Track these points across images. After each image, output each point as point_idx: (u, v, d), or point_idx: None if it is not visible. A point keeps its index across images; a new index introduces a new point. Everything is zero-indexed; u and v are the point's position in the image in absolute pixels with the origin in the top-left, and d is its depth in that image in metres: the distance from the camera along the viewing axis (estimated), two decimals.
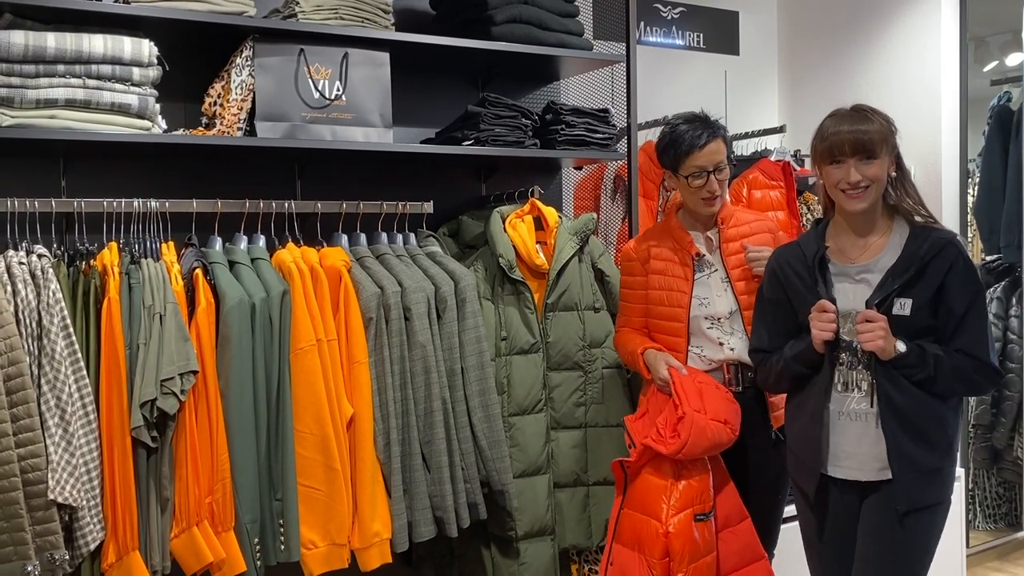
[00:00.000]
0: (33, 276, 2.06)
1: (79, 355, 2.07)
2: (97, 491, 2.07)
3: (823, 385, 2.10)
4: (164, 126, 2.33)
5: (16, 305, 2.02)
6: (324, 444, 2.27)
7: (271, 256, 2.40)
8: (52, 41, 2.14)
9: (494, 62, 2.90)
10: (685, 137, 2.37)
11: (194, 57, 2.49)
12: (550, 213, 2.80)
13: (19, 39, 2.11)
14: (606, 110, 2.96)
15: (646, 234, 2.61)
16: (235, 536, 2.18)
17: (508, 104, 2.76)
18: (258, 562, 2.21)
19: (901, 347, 2.00)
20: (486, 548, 2.67)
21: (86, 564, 2.08)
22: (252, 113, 2.42)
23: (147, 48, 2.25)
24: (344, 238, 2.55)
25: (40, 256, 2.09)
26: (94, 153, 2.42)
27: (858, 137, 2.03)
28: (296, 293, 2.30)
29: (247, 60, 2.41)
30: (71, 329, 2.07)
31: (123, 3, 2.25)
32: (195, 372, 2.10)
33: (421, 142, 2.84)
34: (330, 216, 2.57)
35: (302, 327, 2.28)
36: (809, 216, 3.45)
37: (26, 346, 2.01)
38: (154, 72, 2.28)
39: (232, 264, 2.32)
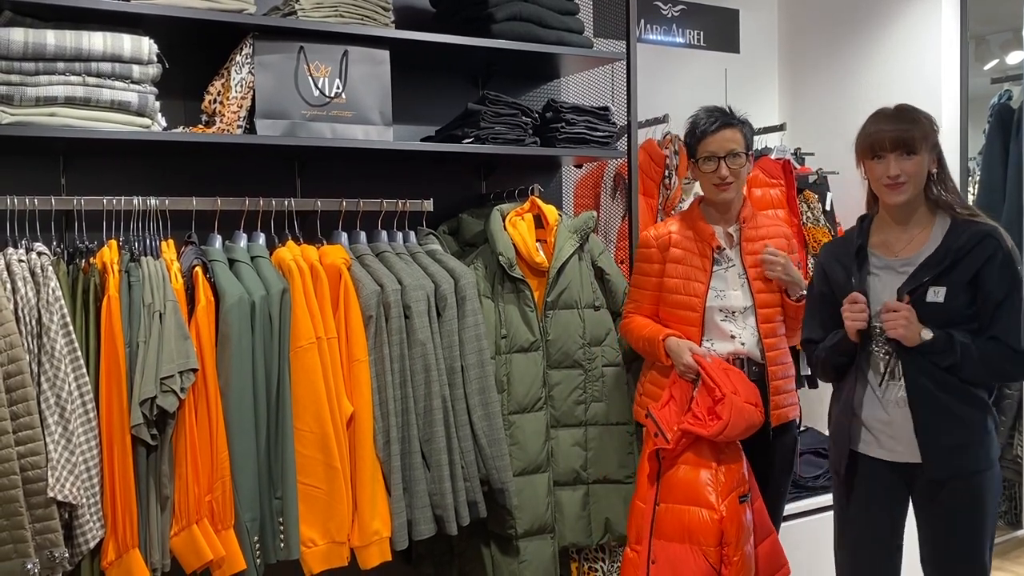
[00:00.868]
0: (33, 274, 2.06)
1: (79, 353, 2.07)
2: (97, 489, 2.07)
3: (860, 371, 2.22)
4: (164, 124, 2.33)
5: (16, 303, 2.02)
6: (324, 442, 2.27)
7: (271, 254, 2.40)
8: (52, 39, 2.14)
9: (494, 60, 2.90)
10: (700, 123, 2.49)
11: (194, 55, 2.49)
12: (550, 211, 2.80)
13: (19, 37, 2.11)
14: (606, 108, 2.96)
15: (667, 222, 2.65)
16: (235, 534, 2.18)
17: (508, 102, 2.76)
18: (258, 560, 2.21)
19: (927, 334, 2.10)
20: (486, 546, 2.67)
21: (86, 562, 2.08)
22: (252, 111, 2.42)
23: (147, 46, 2.25)
24: (344, 236, 2.55)
25: (40, 254, 2.09)
26: (94, 151, 2.42)
27: (899, 135, 2.13)
28: (296, 291, 2.29)
29: (247, 58, 2.40)
30: (71, 327, 2.06)
31: (123, 0, 2.25)
32: (195, 370, 2.10)
33: (421, 140, 2.84)
34: (330, 214, 2.56)
35: (302, 325, 2.28)
36: (809, 214, 3.45)
37: (26, 344, 2.01)
38: (154, 70, 2.27)
39: (232, 262, 2.32)
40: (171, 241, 2.32)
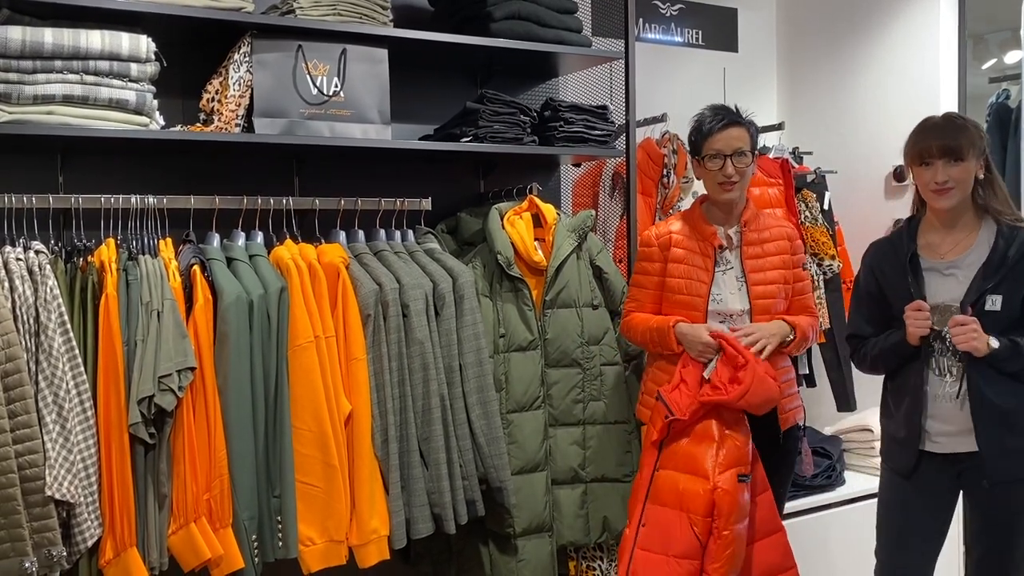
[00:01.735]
0: (30, 272, 2.06)
1: (77, 352, 2.07)
2: (95, 488, 2.07)
3: (919, 371, 2.29)
4: (162, 122, 2.33)
5: (13, 301, 2.02)
6: (322, 441, 2.26)
7: (269, 253, 2.40)
8: (49, 37, 2.14)
9: (493, 58, 2.90)
10: (706, 121, 2.47)
11: (192, 53, 2.49)
12: (548, 210, 2.80)
13: (16, 35, 2.11)
14: (605, 107, 2.96)
15: (668, 221, 2.63)
16: (233, 533, 2.18)
17: (507, 101, 2.75)
18: (256, 559, 2.21)
19: (994, 343, 2.18)
20: (484, 545, 2.67)
21: (84, 561, 2.08)
22: (250, 109, 2.42)
23: (145, 44, 2.25)
24: (342, 235, 2.55)
25: (37, 252, 2.09)
26: (92, 149, 2.41)
27: (946, 142, 2.21)
28: (294, 290, 2.29)
29: (245, 56, 2.40)
30: (68, 325, 2.06)
31: None
32: (193, 369, 2.10)
33: (419, 139, 2.84)
34: (328, 213, 2.56)
35: (300, 324, 2.28)
36: (807, 213, 3.45)
37: (23, 343, 2.01)
38: (152, 68, 2.27)
39: (230, 261, 2.32)
40: (169, 240, 2.31)
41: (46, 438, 1.99)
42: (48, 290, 2.04)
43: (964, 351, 2.20)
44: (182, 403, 2.10)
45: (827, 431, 3.75)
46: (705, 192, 2.58)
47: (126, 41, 2.22)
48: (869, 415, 3.59)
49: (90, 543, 2.06)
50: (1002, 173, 3.90)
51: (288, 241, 2.45)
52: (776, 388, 2.37)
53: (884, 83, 3.79)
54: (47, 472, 1.97)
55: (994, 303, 2.20)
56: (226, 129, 2.38)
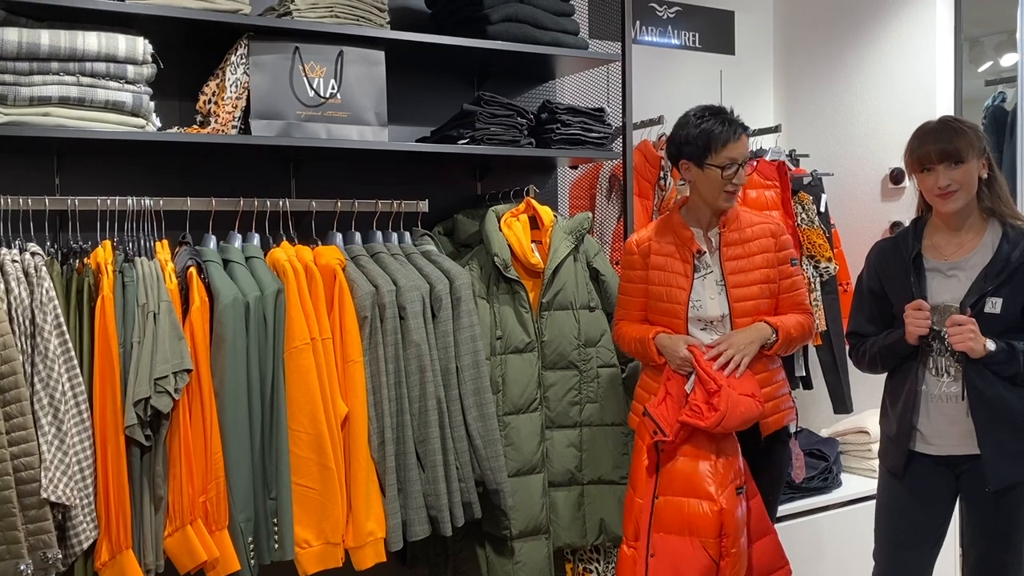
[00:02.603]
0: (26, 274, 2.05)
1: (72, 353, 2.06)
2: (90, 490, 2.06)
3: (917, 371, 2.30)
4: (158, 124, 2.33)
5: (9, 303, 2.01)
6: (318, 443, 2.26)
7: (265, 255, 2.39)
8: (46, 38, 2.14)
9: (490, 61, 2.90)
10: (719, 128, 2.41)
11: (189, 55, 2.49)
12: (545, 212, 2.80)
13: (12, 36, 2.11)
14: (602, 109, 2.96)
15: (649, 228, 2.61)
16: (229, 535, 2.17)
17: (504, 103, 2.76)
18: (252, 561, 2.21)
19: (991, 346, 2.18)
20: (481, 547, 2.67)
21: (79, 563, 2.07)
22: (247, 111, 2.42)
23: (141, 46, 2.25)
24: (339, 237, 2.55)
25: (33, 254, 2.09)
26: (88, 151, 2.41)
27: (944, 146, 2.21)
28: (290, 292, 2.29)
29: (242, 58, 2.40)
30: (64, 327, 2.06)
31: (117, 0, 2.24)
32: (189, 371, 2.10)
33: (416, 141, 2.84)
34: (325, 215, 2.56)
35: (296, 326, 2.28)
36: (804, 216, 3.46)
37: (19, 344, 2.00)
38: (148, 70, 2.27)
39: (226, 262, 2.32)
40: (166, 241, 2.31)
41: (42, 440, 1.99)
42: (44, 292, 2.04)
43: (961, 352, 2.20)
44: (178, 405, 2.10)
45: (824, 433, 3.75)
46: (683, 196, 2.57)
47: (123, 43, 2.22)
48: (866, 417, 3.60)
49: (86, 545, 2.05)
50: None
51: (285, 243, 2.45)
52: (755, 406, 2.36)
53: (880, 86, 3.80)
54: (43, 474, 1.97)
55: (994, 305, 2.20)
56: (223, 131, 2.38)
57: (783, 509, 2.98)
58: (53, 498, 1.97)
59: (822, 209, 3.55)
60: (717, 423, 2.30)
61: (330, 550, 2.29)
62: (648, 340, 2.46)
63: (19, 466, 1.96)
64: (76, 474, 2.03)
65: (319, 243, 2.51)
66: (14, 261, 2.05)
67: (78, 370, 2.07)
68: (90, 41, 2.18)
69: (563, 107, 2.88)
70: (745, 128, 2.46)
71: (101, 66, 2.20)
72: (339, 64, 2.50)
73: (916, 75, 3.66)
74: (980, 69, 4.14)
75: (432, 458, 2.40)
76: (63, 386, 2.02)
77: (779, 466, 2.62)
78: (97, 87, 2.20)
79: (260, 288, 2.25)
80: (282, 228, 2.49)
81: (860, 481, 3.57)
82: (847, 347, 2.57)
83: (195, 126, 2.43)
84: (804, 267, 3.37)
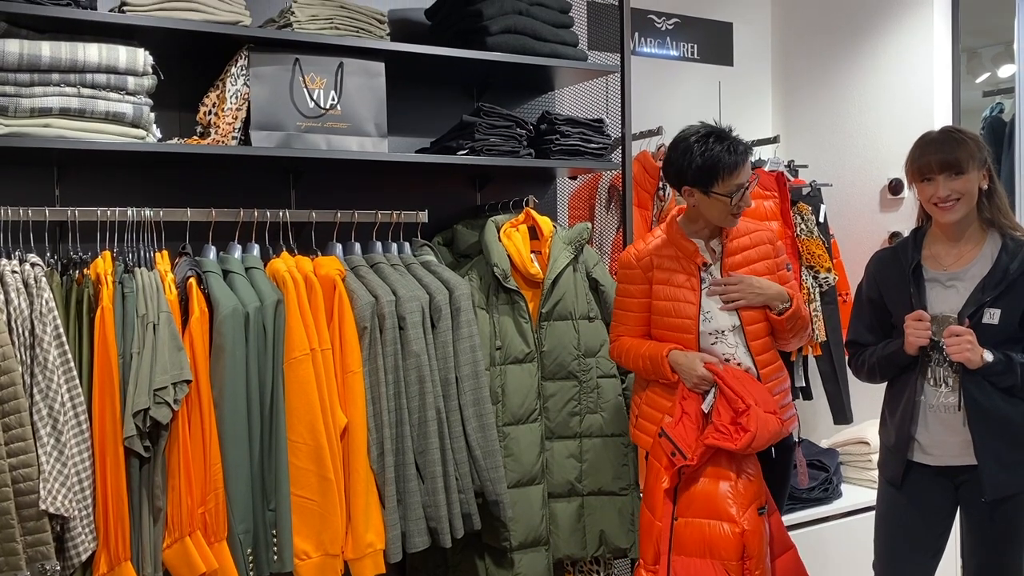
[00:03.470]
0: (26, 285, 2.05)
1: (72, 364, 2.06)
2: (89, 501, 2.06)
3: (915, 381, 2.30)
4: (159, 135, 2.33)
5: (9, 314, 2.01)
6: (318, 454, 2.26)
7: (265, 265, 2.39)
8: (47, 50, 2.14)
9: (489, 72, 2.91)
10: (726, 156, 2.32)
11: (189, 66, 2.50)
12: (545, 223, 2.81)
13: (14, 48, 2.11)
14: (601, 120, 2.97)
15: (648, 241, 2.53)
16: (228, 546, 2.17)
17: (503, 114, 2.76)
18: (251, 572, 2.20)
19: (988, 356, 2.18)
20: (480, 559, 2.66)
21: (78, 574, 2.06)
22: (247, 122, 2.42)
23: (142, 57, 2.25)
24: (339, 247, 2.55)
25: (33, 265, 2.09)
26: (88, 162, 2.41)
27: (945, 156, 2.21)
28: (290, 302, 2.29)
29: (242, 69, 2.41)
30: (64, 338, 2.06)
31: (118, 12, 2.25)
32: (188, 381, 2.10)
33: (416, 151, 2.84)
34: (325, 225, 2.56)
35: (296, 336, 2.27)
36: (803, 226, 3.46)
37: (19, 355, 2.00)
38: (149, 81, 2.28)
39: (226, 273, 2.32)
40: (165, 252, 2.31)
41: (40, 451, 1.98)
42: (44, 303, 2.04)
43: (958, 363, 2.20)
44: (178, 416, 2.10)
45: (824, 444, 3.75)
46: (679, 207, 2.53)
47: (123, 54, 2.22)
48: (866, 428, 3.59)
49: (84, 557, 2.04)
50: None
51: (284, 253, 2.45)
52: (777, 423, 2.34)
53: (879, 97, 3.81)
54: (41, 485, 1.96)
55: (992, 316, 2.20)
56: (223, 142, 2.38)
57: (784, 520, 2.97)
58: (52, 509, 1.97)
59: (821, 219, 3.56)
60: (748, 445, 2.26)
61: (329, 562, 2.28)
62: (661, 358, 2.39)
63: (18, 477, 1.96)
64: (75, 485, 2.02)
65: (319, 254, 2.51)
66: (14, 272, 2.05)
67: (77, 381, 2.07)
68: (91, 52, 2.19)
69: (562, 118, 2.89)
70: (748, 148, 2.40)
71: (102, 77, 2.20)
72: (339, 75, 2.51)
73: (914, 86, 3.67)
74: (978, 80, 4.15)
75: (432, 469, 2.40)
76: (62, 397, 2.02)
77: (785, 474, 2.62)
78: (98, 98, 2.20)
79: (260, 299, 2.25)
80: (282, 239, 2.50)
81: (860, 492, 3.56)
82: (846, 356, 2.57)
83: (195, 137, 2.43)
84: (803, 277, 3.38)
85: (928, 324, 2.24)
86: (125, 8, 2.26)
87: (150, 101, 2.29)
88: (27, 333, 2.02)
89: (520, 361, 2.67)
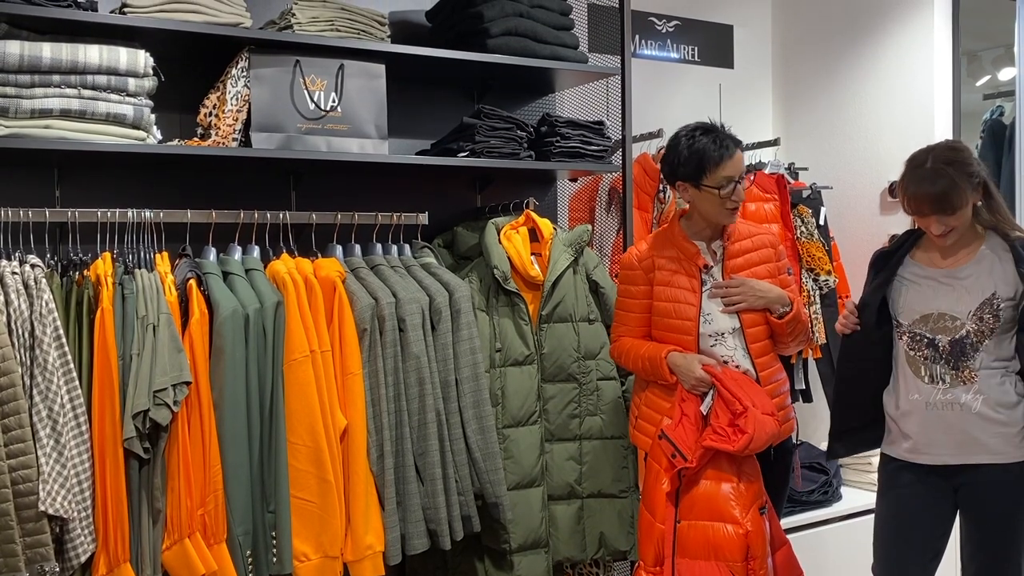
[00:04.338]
0: (26, 286, 2.05)
1: (71, 366, 2.06)
2: (88, 503, 2.06)
3: (909, 379, 2.30)
4: (159, 136, 2.33)
5: (9, 315, 2.01)
6: (317, 456, 2.26)
7: (265, 267, 2.39)
8: (48, 51, 2.14)
9: (489, 74, 2.91)
10: (711, 148, 2.36)
11: (190, 68, 2.50)
12: (545, 225, 2.81)
13: (14, 49, 2.11)
14: (601, 122, 2.97)
15: (649, 242, 2.54)
16: (227, 548, 2.17)
17: (503, 116, 2.76)
18: (250, 574, 2.20)
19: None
20: (480, 561, 2.66)
21: None
22: (247, 124, 2.42)
23: (143, 59, 2.25)
24: (339, 249, 2.55)
25: (33, 266, 2.09)
26: (89, 163, 2.41)
27: (937, 202, 2.19)
28: (290, 304, 2.29)
29: (243, 71, 2.41)
30: (64, 339, 2.06)
31: (119, 14, 2.25)
32: (188, 383, 2.10)
33: (416, 153, 2.84)
34: (325, 227, 2.56)
35: (296, 338, 2.27)
36: (803, 228, 3.46)
37: (18, 356, 2.00)
38: (149, 83, 2.28)
39: (226, 275, 2.32)
40: (165, 254, 2.31)
41: (40, 452, 1.98)
42: (44, 304, 2.04)
43: (933, 345, 2.23)
44: (177, 417, 2.10)
45: (824, 447, 3.74)
46: (681, 209, 2.54)
47: (124, 56, 2.22)
48: None
49: (83, 558, 2.04)
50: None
51: (284, 255, 2.45)
52: (775, 425, 2.35)
53: (879, 99, 3.81)
54: (40, 487, 1.96)
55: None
56: (223, 143, 2.38)
57: (784, 523, 2.97)
58: (51, 511, 1.96)
59: (821, 222, 3.56)
60: (746, 446, 2.27)
61: (328, 564, 2.28)
62: (660, 359, 2.41)
63: (17, 479, 1.96)
64: (74, 487, 2.02)
65: (319, 255, 2.51)
66: (14, 273, 2.05)
67: (77, 382, 2.06)
68: (91, 54, 2.19)
69: (563, 120, 2.89)
70: (738, 143, 2.41)
71: (102, 79, 2.20)
72: (340, 77, 2.51)
73: (915, 89, 3.67)
74: (978, 83, 4.16)
75: (431, 471, 2.40)
76: (62, 398, 2.02)
77: (784, 476, 2.62)
78: (98, 100, 2.20)
79: (260, 300, 2.25)
80: (282, 240, 2.50)
81: (860, 494, 3.56)
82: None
83: (196, 139, 2.43)
84: (804, 280, 3.37)
85: (856, 319, 2.33)
86: (126, 10, 2.26)
87: (151, 103, 2.29)
88: (27, 334, 2.02)
89: (520, 363, 2.67)
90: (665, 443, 2.34)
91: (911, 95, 3.69)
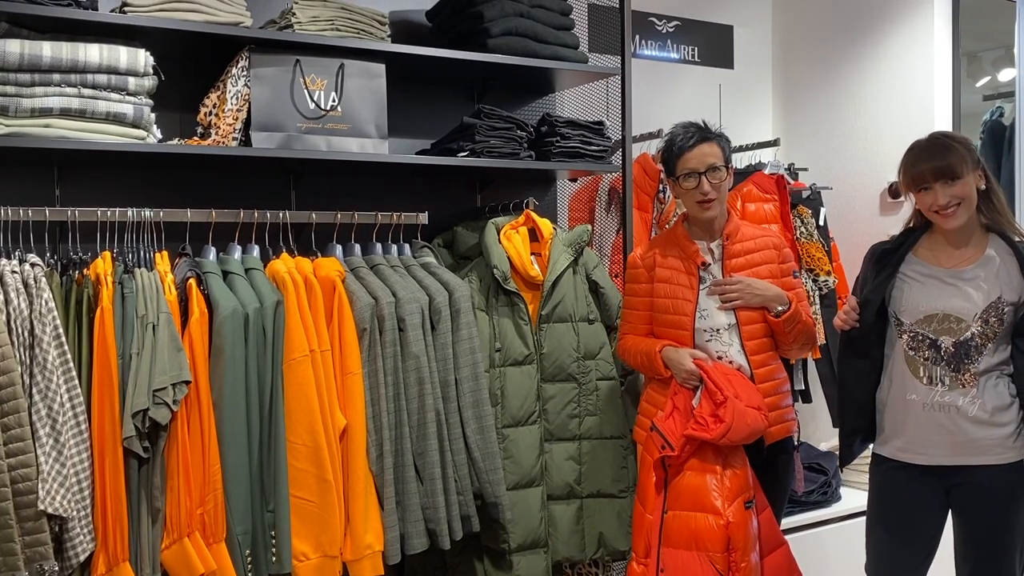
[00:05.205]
0: (26, 285, 2.05)
1: (71, 365, 2.06)
2: (88, 501, 2.06)
3: (906, 380, 2.29)
4: (159, 136, 2.33)
5: (8, 314, 2.01)
6: (316, 455, 2.26)
7: (265, 266, 2.39)
8: (48, 50, 2.14)
9: (490, 74, 2.91)
10: (677, 139, 2.46)
11: (190, 67, 2.50)
12: (545, 225, 2.81)
13: (15, 48, 2.11)
14: (601, 123, 2.97)
15: (653, 242, 2.62)
16: (226, 547, 2.17)
17: (503, 116, 2.76)
18: (249, 574, 2.20)
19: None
20: (479, 561, 2.66)
21: (76, 575, 2.06)
22: (248, 123, 2.42)
23: (143, 58, 2.25)
24: (339, 248, 2.55)
25: (33, 265, 2.09)
26: (89, 162, 2.41)
27: (937, 164, 2.20)
28: (290, 303, 2.29)
29: (243, 70, 2.41)
30: (63, 339, 2.06)
31: (119, 13, 2.25)
32: (187, 382, 2.10)
33: (416, 153, 2.84)
34: (325, 226, 2.56)
35: (295, 337, 2.27)
36: (803, 229, 3.46)
37: (18, 355, 2.00)
38: (149, 82, 2.28)
39: (226, 274, 2.32)
40: (165, 253, 2.31)
41: (39, 451, 1.98)
42: (43, 303, 2.04)
43: (935, 346, 2.23)
44: (177, 417, 2.10)
45: (823, 447, 3.75)
46: (682, 213, 2.58)
47: (124, 55, 2.22)
48: None
49: (82, 557, 2.04)
50: None
51: (284, 255, 2.45)
52: (760, 419, 2.36)
53: (879, 100, 3.81)
54: (40, 486, 1.96)
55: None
56: (223, 143, 2.38)
57: (783, 523, 2.97)
58: (50, 510, 1.96)
59: (821, 223, 3.56)
60: (722, 435, 2.29)
61: (328, 563, 2.28)
62: (654, 353, 2.46)
63: (16, 477, 1.96)
64: (73, 486, 2.02)
65: (319, 255, 2.51)
66: (13, 272, 2.05)
67: (76, 381, 2.06)
68: (92, 53, 2.19)
69: (563, 120, 2.89)
70: (707, 135, 2.44)
71: (102, 78, 2.20)
72: (340, 77, 2.51)
73: (914, 90, 3.67)
74: (978, 84, 4.16)
75: (431, 471, 2.40)
76: (61, 397, 2.02)
77: (784, 477, 2.61)
78: (98, 99, 2.20)
79: (259, 300, 2.25)
80: (282, 240, 2.50)
81: (859, 495, 3.54)
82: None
83: (196, 138, 2.43)
84: (803, 281, 3.38)
85: (856, 315, 2.30)
86: (126, 9, 2.26)
87: (151, 102, 2.29)
88: (26, 333, 2.02)
89: (519, 363, 2.67)
90: (656, 435, 2.38)
91: (911, 96, 3.69)
